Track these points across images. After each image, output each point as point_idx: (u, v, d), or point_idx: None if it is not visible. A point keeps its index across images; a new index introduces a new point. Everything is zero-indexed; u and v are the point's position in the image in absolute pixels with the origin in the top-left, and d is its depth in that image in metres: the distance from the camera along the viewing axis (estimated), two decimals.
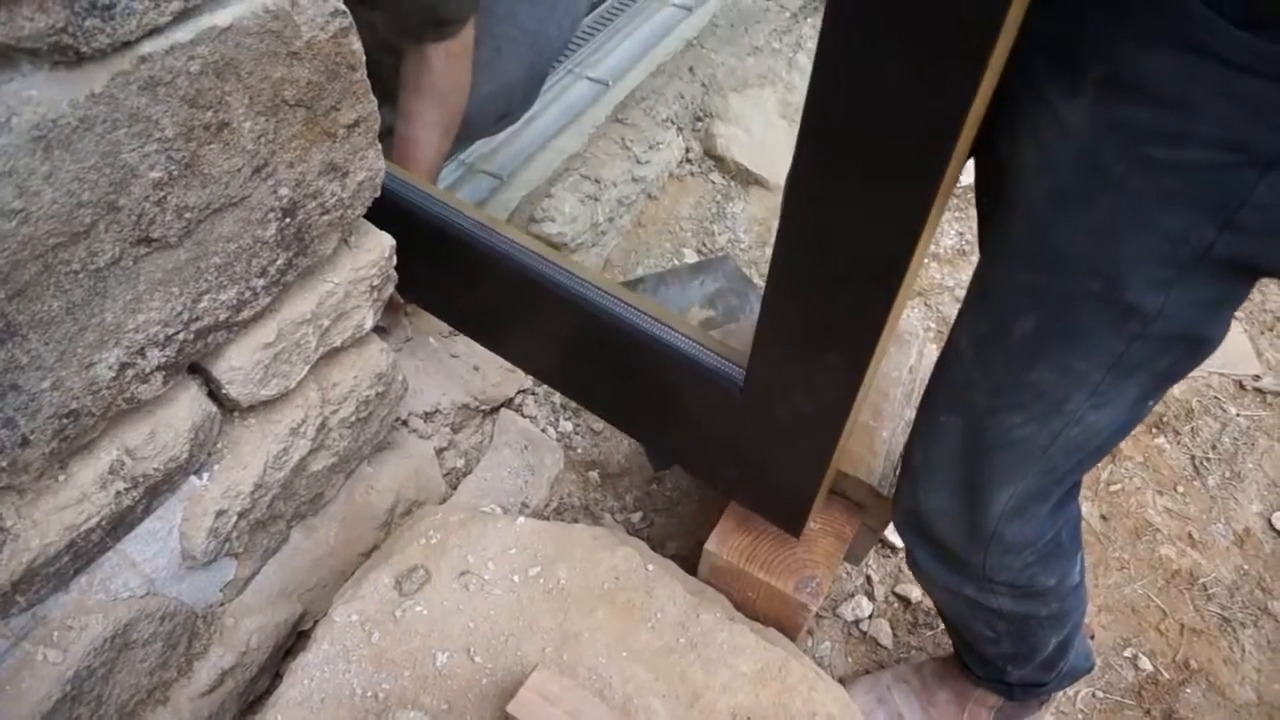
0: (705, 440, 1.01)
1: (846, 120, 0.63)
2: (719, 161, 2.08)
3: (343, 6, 0.81)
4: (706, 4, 2.27)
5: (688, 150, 2.09)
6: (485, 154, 1.66)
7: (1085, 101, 0.64)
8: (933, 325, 1.87)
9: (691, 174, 2.07)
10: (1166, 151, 0.61)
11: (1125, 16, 0.60)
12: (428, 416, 1.34)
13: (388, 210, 1.00)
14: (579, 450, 1.51)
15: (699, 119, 2.13)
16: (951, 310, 1.88)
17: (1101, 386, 0.74)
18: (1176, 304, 0.67)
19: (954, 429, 0.84)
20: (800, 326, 0.80)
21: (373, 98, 0.89)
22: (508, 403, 1.49)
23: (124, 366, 0.76)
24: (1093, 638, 1.22)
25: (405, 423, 1.32)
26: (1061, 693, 1.32)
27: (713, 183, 2.06)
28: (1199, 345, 0.72)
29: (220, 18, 0.70)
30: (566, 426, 1.52)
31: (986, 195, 0.83)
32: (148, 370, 0.78)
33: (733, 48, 2.27)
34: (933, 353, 1.30)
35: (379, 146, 0.94)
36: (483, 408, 1.43)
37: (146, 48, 0.65)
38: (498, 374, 1.45)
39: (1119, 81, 0.62)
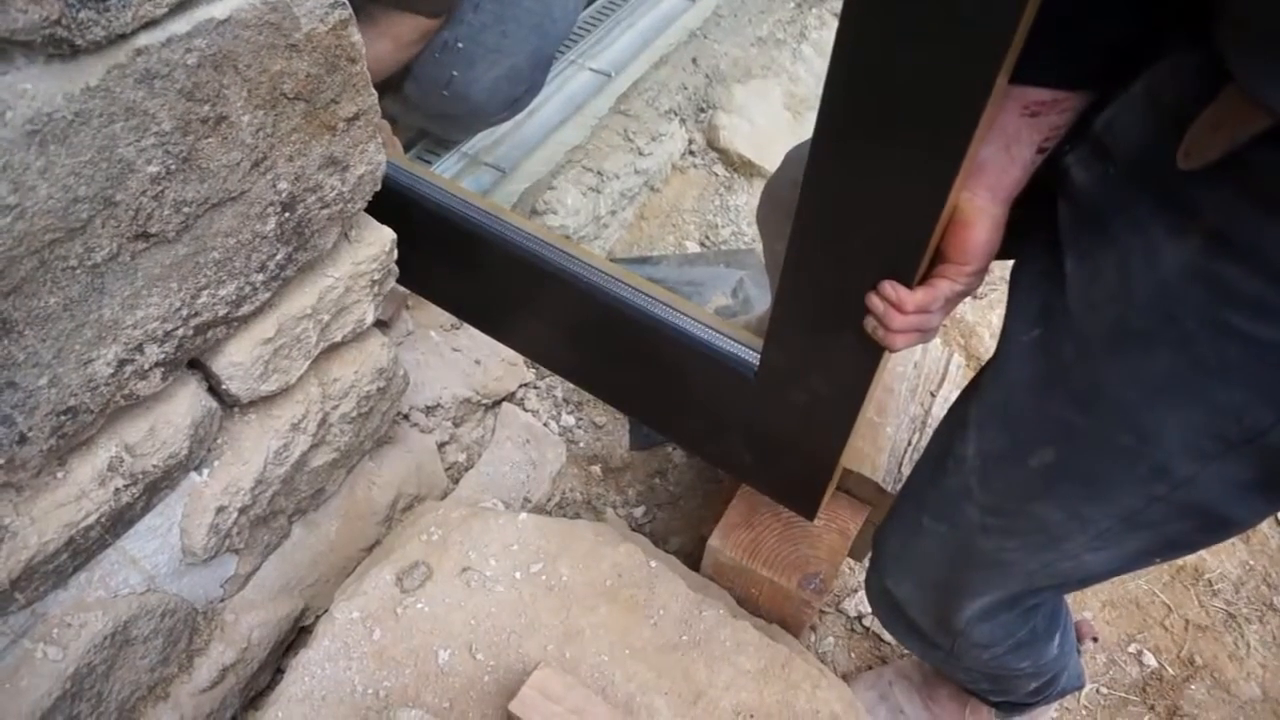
0: (719, 426, 1.00)
1: (866, 101, 0.62)
2: (722, 153, 2.07)
3: None
4: None
5: (690, 142, 2.08)
6: (487, 146, 1.64)
7: (1189, 246, 0.59)
8: None
9: (694, 166, 2.06)
10: (1247, 322, 0.57)
11: (1254, 182, 0.56)
12: (429, 410, 1.34)
13: (389, 201, 0.99)
14: (581, 444, 1.50)
15: (702, 110, 2.11)
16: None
17: (1107, 534, 0.71)
18: (1209, 478, 0.63)
19: (938, 535, 0.81)
20: (816, 309, 0.79)
21: (373, 90, 0.88)
22: (509, 397, 1.48)
23: (122, 363, 0.75)
24: (1096, 639, 1.21)
25: (406, 417, 1.31)
26: None
27: (715, 175, 2.05)
28: (1221, 524, 0.68)
29: (218, 9, 0.69)
30: (569, 420, 1.51)
31: (1029, 304, 0.74)
32: (147, 367, 0.78)
33: (736, 38, 2.26)
34: (937, 346, 1.29)
35: (379, 139, 0.93)
36: (484, 402, 1.42)
37: (143, 40, 0.64)
38: (499, 368, 1.44)
39: (1231, 239, 0.57)
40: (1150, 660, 1.37)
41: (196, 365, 0.87)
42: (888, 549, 0.90)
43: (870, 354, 0.78)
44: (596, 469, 1.46)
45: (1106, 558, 0.74)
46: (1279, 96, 0.51)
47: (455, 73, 1.38)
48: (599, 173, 1.80)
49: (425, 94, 1.41)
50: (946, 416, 0.84)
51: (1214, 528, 0.68)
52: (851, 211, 0.70)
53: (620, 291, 0.96)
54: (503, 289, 1.11)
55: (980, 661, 0.92)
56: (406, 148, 1.59)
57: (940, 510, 0.81)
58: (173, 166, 0.71)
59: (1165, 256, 0.61)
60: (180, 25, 0.67)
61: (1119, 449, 0.66)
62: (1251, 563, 1.50)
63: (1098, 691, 1.34)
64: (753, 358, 0.89)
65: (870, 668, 1.30)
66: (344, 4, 0.80)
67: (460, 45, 1.39)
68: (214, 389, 0.90)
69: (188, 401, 0.85)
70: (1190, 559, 1.49)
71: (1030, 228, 0.74)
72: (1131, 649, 1.38)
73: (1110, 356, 0.65)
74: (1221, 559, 1.50)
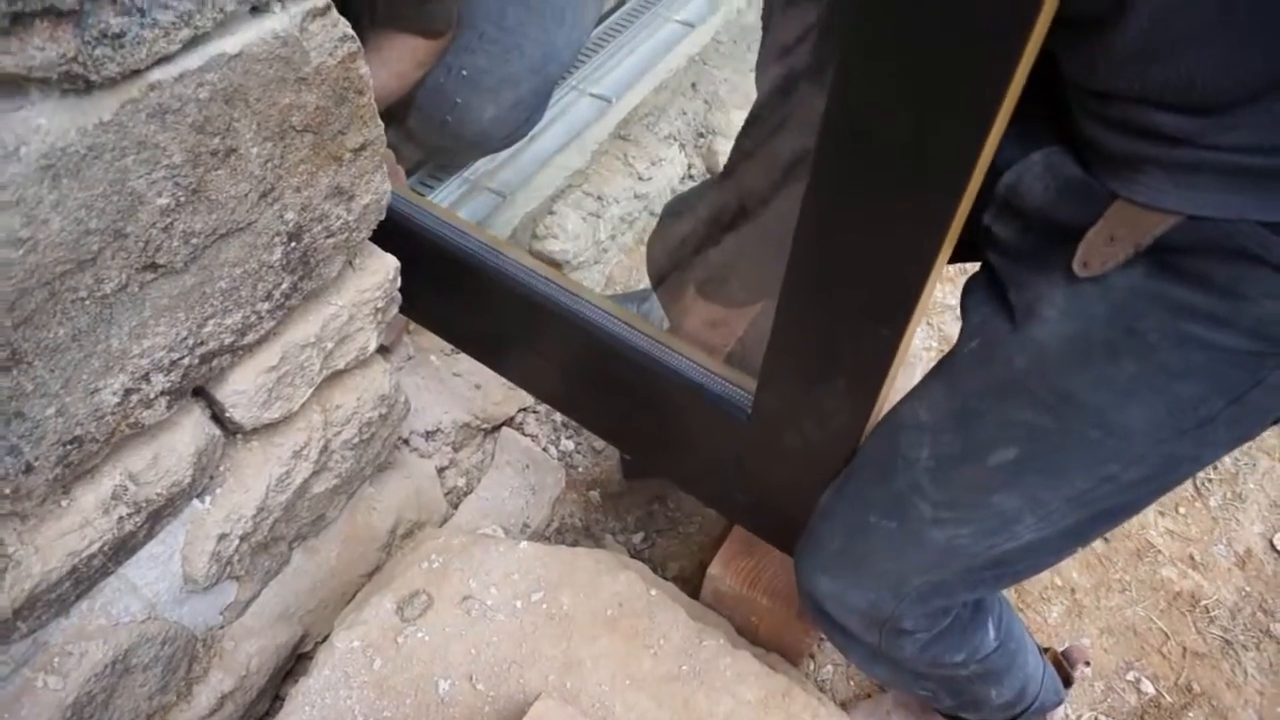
0: (712, 466, 1.00)
1: (859, 154, 0.63)
2: None
3: (351, 32, 0.81)
4: (709, 21, 2.28)
5: (690, 166, 2.09)
6: (489, 171, 1.65)
7: (1134, 273, 0.67)
8: (935, 345, 1.87)
9: None
10: (1202, 330, 0.65)
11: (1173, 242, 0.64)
12: (429, 435, 1.34)
13: (391, 229, 0.99)
14: (580, 469, 1.50)
15: (701, 135, 2.13)
16: (954, 329, 1.88)
17: (1053, 515, 0.76)
18: (1157, 458, 0.72)
19: (886, 530, 0.83)
20: (810, 354, 0.80)
21: (379, 121, 0.89)
22: (509, 421, 1.48)
23: (128, 392, 0.75)
24: (1088, 664, 1.21)
25: (407, 441, 1.31)
26: (1064, 715, 1.31)
27: None
28: (1146, 498, 0.76)
29: (229, 45, 0.70)
30: (568, 445, 1.52)
31: (972, 317, 0.82)
32: (152, 395, 0.78)
33: (735, 64, 2.28)
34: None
35: (385, 169, 0.93)
36: (484, 426, 1.42)
37: (156, 75, 0.65)
38: (499, 392, 1.44)
39: (1172, 264, 0.65)
40: (1148, 688, 1.37)
41: (200, 393, 0.88)
42: (828, 546, 0.89)
43: (863, 403, 0.79)
44: (595, 494, 1.46)
45: (1045, 537, 0.79)
46: (1187, 202, 0.61)
47: (459, 99, 1.39)
48: (599, 197, 1.81)
49: (429, 121, 1.42)
50: (887, 420, 0.87)
51: (1139, 503, 0.77)
52: (842, 261, 0.71)
53: (615, 328, 0.96)
54: (499, 321, 1.12)
55: (910, 657, 0.91)
56: (408, 174, 1.60)
57: (889, 508, 0.84)
58: (182, 198, 0.71)
59: (1113, 282, 0.68)
60: (193, 60, 0.67)
61: (1087, 442, 0.73)
62: (1247, 589, 1.50)
63: (1096, 719, 1.33)
64: (746, 400, 0.90)
65: (869, 695, 1.30)
66: (353, 37, 0.81)
67: (465, 73, 1.40)
68: (217, 416, 0.90)
69: (191, 430, 0.85)
70: (1186, 585, 1.49)
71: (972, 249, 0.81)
72: (1129, 676, 1.38)
73: (1075, 367, 0.71)
74: (1218, 585, 1.50)
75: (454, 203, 1.60)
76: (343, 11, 0.81)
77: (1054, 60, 0.68)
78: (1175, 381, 0.67)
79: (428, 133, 1.44)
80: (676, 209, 1.10)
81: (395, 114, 1.41)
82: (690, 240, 1.05)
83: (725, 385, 0.92)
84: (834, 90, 0.61)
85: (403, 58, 1.34)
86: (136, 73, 0.64)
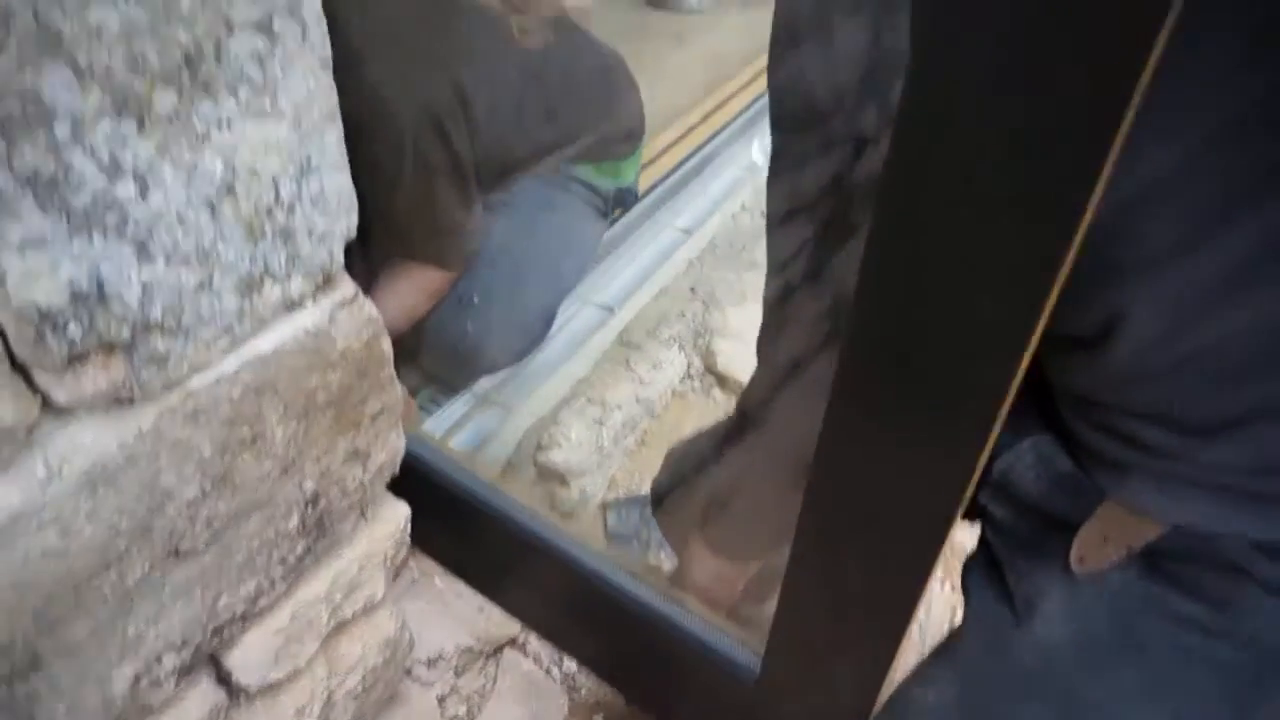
0: None
1: (879, 400, 0.61)
2: (719, 378, 2.14)
3: (375, 314, 0.86)
4: (707, 224, 2.40)
5: (689, 366, 2.15)
6: (493, 386, 1.71)
7: (1127, 575, 0.67)
8: None
9: (693, 390, 2.12)
10: (1200, 642, 0.65)
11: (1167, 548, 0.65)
12: (431, 663, 1.32)
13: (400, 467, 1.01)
14: (584, 691, 1.47)
15: (700, 335, 2.20)
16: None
17: None
18: None
19: None
20: (821, 619, 0.80)
21: (397, 384, 0.93)
22: (511, 642, 1.46)
23: (139, 677, 0.75)
24: None
25: (409, 671, 1.29)
26: None
27: (714, 399, 2.11)
28: None
29: (263, 344, 0.74)
30: (571, 666, 1.49)
31: (977, 603, 0.81)
32: (163, 676, 0.78)
33: (732, 264, 2.38)
34: (941, 601, 1.30)
35: (400, 426, 0.97)
36: (486, 650, 1.40)
37: (194, 384, 0.69)
38: (502, 614, 1.43)
39: (1166, 570, 0.65)
40: None
41: (209, 659, 0.87)
42: None
43: (874, 676, 0.79)
44: (599, 719, 1.43)
45: None
46: (1172, 512, 0.62)
47: (470, 328, 1.45)
48: (602, 404, 1.85)
49: (439, 350, 1.48)
50: (895, 701, 0.85)
51: None
52: (856, 526, 0.71)
53: (617, 579, 0.97)
54: (503, 560, 1.13)
55: None
56: (413, 393, 1.64)
57: None
58: (208, 488, 0.74)
59: (1111, 582, 0.68)
60: (229, 365, 0.71)
61: None
62: None
63: None
64: (753, 660, 0.90)
65: None
66: (376, 319, 0.86)
67: (476, 300, 1.47)
68: (224, 679, 0.89)
69: (198, 701, 0.84)
70: None
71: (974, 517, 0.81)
72: None
73: (1080, 669, 0.70)
74: None
75: (459, 419, 1.64)
76: (360, 240, 0.85)
77: None
78: (1178, 693, 0.67)
79: (438, 361, 1.50)
80: (683, 453, 1.13)
81: (405, 342, 1.47)
82: (698, 488, 1.07)
83: (731, 643, 0.92)
84: (852, 330, 0.59)
85: (417, 289, 1.41)
86: (176, 383, 0.68)
